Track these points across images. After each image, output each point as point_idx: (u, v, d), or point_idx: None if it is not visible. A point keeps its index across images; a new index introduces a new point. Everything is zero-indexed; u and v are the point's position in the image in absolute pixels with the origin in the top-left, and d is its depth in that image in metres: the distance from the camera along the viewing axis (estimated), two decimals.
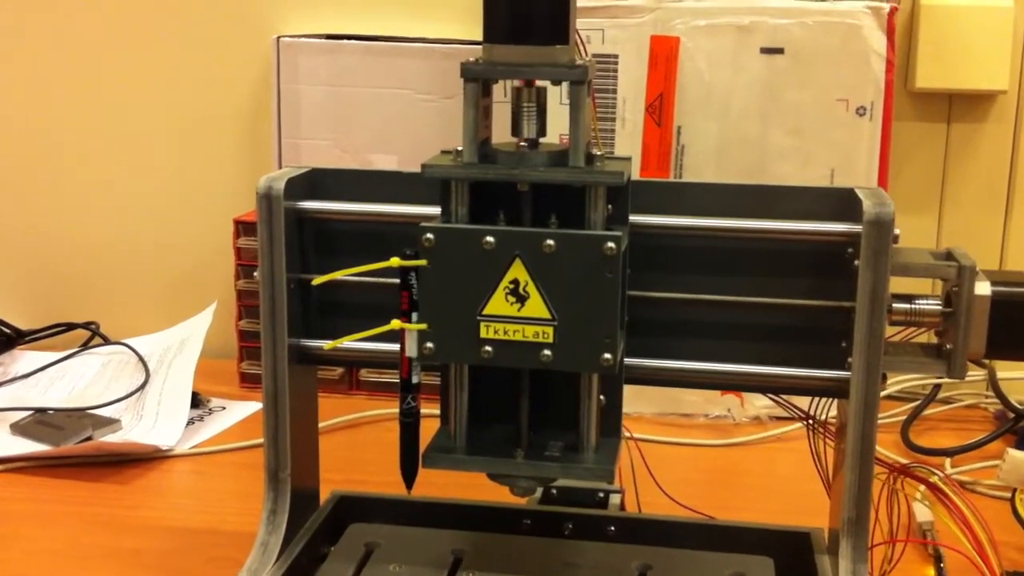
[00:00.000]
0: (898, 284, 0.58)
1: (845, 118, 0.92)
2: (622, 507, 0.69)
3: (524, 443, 0.58)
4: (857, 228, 0.57)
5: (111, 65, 1.13)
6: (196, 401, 0.96)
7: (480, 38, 0.56)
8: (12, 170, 1.17)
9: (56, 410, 0.94)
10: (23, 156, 1.16)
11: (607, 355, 0.55)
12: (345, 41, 1.05)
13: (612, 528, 0.65)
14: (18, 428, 0.91)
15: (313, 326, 0.65)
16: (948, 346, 0.58)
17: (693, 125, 0.94)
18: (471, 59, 0.56)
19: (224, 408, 0.98)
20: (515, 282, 0.56)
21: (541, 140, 0.58)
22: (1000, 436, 0.89)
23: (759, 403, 0.95)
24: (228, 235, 1.02)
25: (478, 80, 0.56)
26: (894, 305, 0.58)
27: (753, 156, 0.94)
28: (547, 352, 0.55)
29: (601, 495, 0.69)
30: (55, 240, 1.17)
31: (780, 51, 0.92)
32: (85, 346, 1.09)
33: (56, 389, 1.01)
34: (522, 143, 0.58)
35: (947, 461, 0.86)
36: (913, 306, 0.59)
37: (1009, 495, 0.74)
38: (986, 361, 0.83)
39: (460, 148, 0.57)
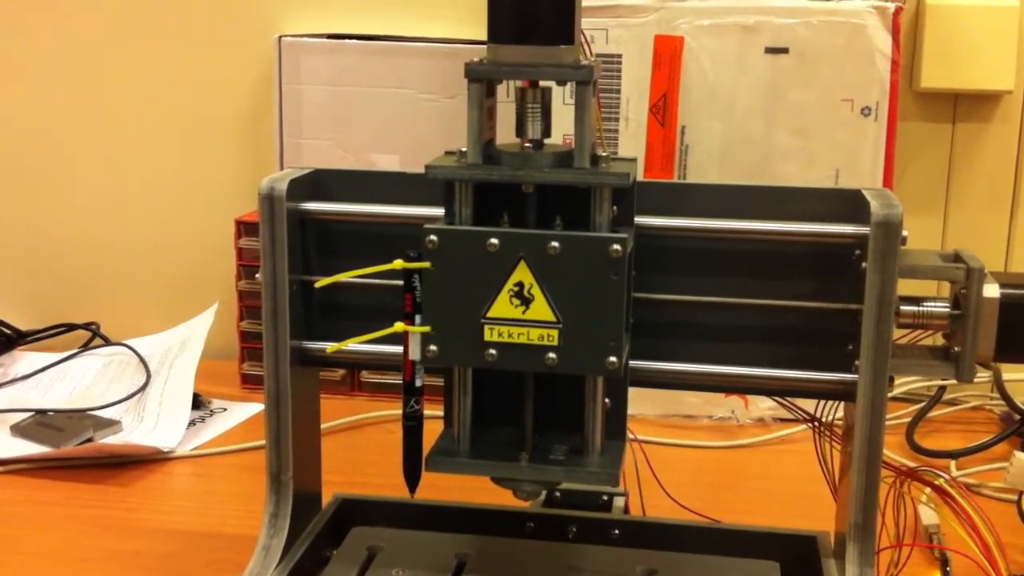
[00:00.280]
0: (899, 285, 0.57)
1: (850, 118, 0.92)
2: (626, 510, 0.69)
3: (528, 446, 0.58)
4: (865, 230, 0.56)
5: (112, 64, 1.13)
6: (197, 402, 0.96)
7: (483, 38, 0.56)
8: (12, 170, 1.16)
9: (56, 411, 0.93)
10: (23, 156, 1.16)
11: (613, 358, 0.54)
12: (347, 41, 1.04)
13: (616, 531, 0.64)
14: (18, 429, 0.90)
15: (315, 328, 0.64)
16: (956, 349, 0.58)
17: (697, 125, 0.94)
18: (475, 59, 0.56)
19: (225, 409, 0.97)
20: (520, 284, 0.55)
21: (546, 141, 0.58)
22: (1006, 438, 0.89)
23: (763, 405, 0.94)
24: (229, 235, 1.02)
25: (482, 80, 0.56)
26: (902, 307, 0.58)
27: (757, 156, 0.93)
28: (552, 355, 0.55)
29: (605, 498, 0.68)
30: (55, 240, 1.17)
31: (785, 51, 0.92)
32: (86, 347, 1.09)
33: (56, 390, 1.01)
34: (527, 144, 0.57)
35: (952, 463, 0.86)
36: (921, 308, 0.58)
37: (1016, 497, 0.73)
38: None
39: (464, 149, 0.57)
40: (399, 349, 0.58)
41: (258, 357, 1.02)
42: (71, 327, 1.11)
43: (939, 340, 0.60)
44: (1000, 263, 1.04)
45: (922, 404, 0.94)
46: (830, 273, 0.60)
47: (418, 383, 0.58)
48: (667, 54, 0.93)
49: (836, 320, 0.60)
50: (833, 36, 0.91)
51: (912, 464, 0.79)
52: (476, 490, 0.63)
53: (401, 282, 0.57)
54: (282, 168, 1.01)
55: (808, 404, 0.64)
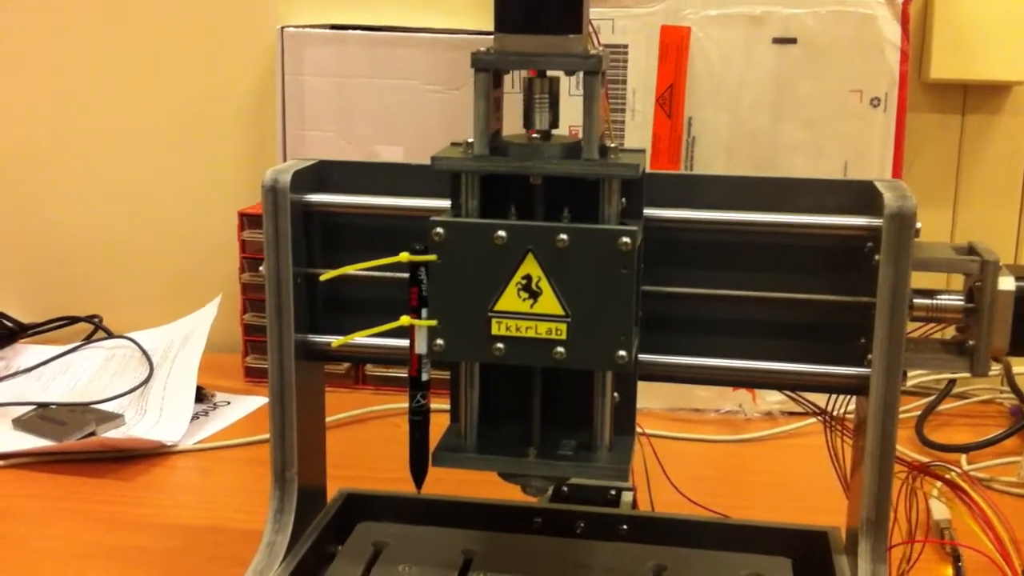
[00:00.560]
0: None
1: (859, 110, 0.91)
2: (634, 505, 0.68)
3: (536, 441, 0.57)
4: (878, 222, 0.56)
5: (114, 56, 1.12)
6: (201, 396, 0.95)
7: (487, 28, 0.55)
8: (14, 163, 1.16)
9: (59, 405, 0.93)
10: (25, 149, 1.15)
11: (622, 352, 0.54)
12: (350, 31, 1.04)
13: (625, 527, 0.63)
14: (20, 423, 0.90)
15: (320, 322, 0.64)
16: (970, 342, 0.57)
17: (704, 117, 0.93)
18: (482, 49, 0.55)
19: (229, 403, 0.97)
20: (527, 277, 0.54)
21: (553, 132, 0.57)
22: (1017, 432, 0.88)
23: (771, 399, 0.94)
24: (232, 228, 1.01)
25: (489, 70, 0.55)
26: (915, 300, 0.57)
27: (765, 148, 0.93)
28: (560, 349, 0.54)
29: (613, 493, 0.68)
30: (58, 233, 1.16)
31: (793, 41, 0.91)
32: (88, 340, 1.08)
33: (59, 383, 1.00)
34: (534, 135, 0.57)
35: (963, 458, 0.85)
36: (935, 301, 0.57)
37: None
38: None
39: (471, 140, 0.56)
40: (405, 343, 0.57)
41: (262, 350, 1.01)
42: (74, 320, 1.11)
43: (948, 333, 0.59)
44: (1010, 255, 1.03)
45: (931, 398, 0.93)
46: (842, 266, 0.59)
47: (424, 377, 0.57)
48: (674, 45, 0.92)
49: (848, 313, 0.59)
50: (842, 26, 0.90)
51: (922, 458, 0.78)
52: (482, 485, 0.62)
53: (407, 275, 0.56)
54: (285, 160, 1.00)
55: (818, 398, 0.63)
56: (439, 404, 0.59)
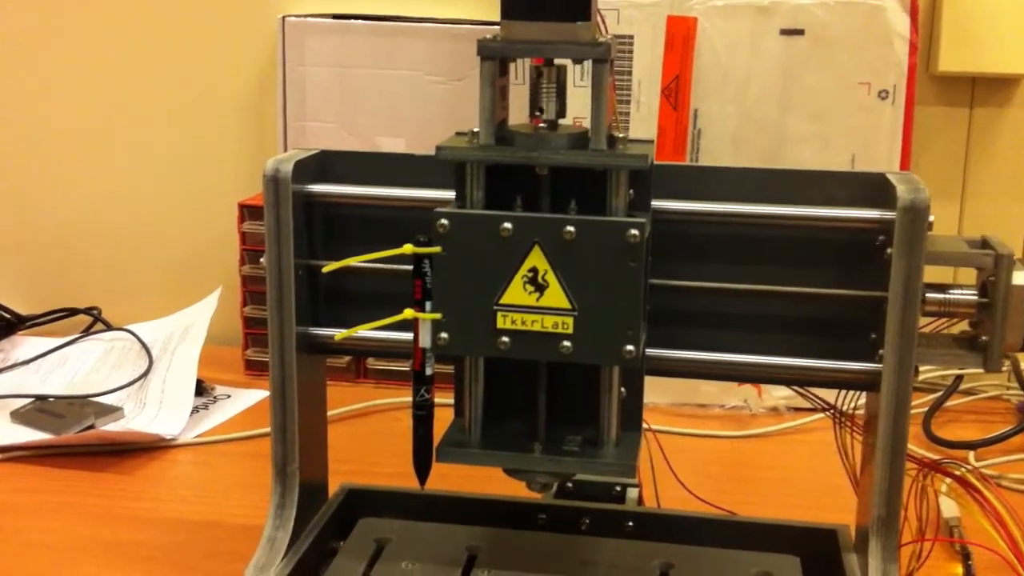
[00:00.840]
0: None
1: (866, 102, 0.90)
2: (640, 502, 0.67)
3: (541, 437, 0.56)
4: (890, 215, 0.55)
5: (114, 47, 1.11)
6: (200, 389, 0.94)
7: (491, 18, 0.54)
8: (13, 154, 1.15)
9: (57, 398, 0.92)
10: (25, 140, 1.14)
11: (629, 347, 0.53)
12: (353, 21, 1.02)
13: (631, 524, 0.62)
14: (18, 416, 0.89)
15: (321, 314, 0.63)
16: (983, 338, 0.56)
17: (710, 109, 0.92)
18: (488, 36, 0.54)
19: (229, 396, 0.96)
20: (534, 270, 0.53)
21: (560, 122, 0.56)
22: None
23: (777, 394, 0.93)
24: (232, 219, 1.00)
25: (495, 58, 0.54)
26: (927, 295, 0.56)
27: (771, 141, 0.92)
28: (567, 343, 0.53)
29: (618, 489, 0.67)
30: (57, 224, 1.15)
31: (800, 32, 0.90)
32: (87, 332, 1.07)
33: (57, 376, 0.99)
34: (540, 125, 0.56)
35: (971, 454, 0.84)
36: (947, 296, 0.56)
37: None
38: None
39: (476, 130, 0.55)
40: (409, 336, 0.56)
41: (262, 343, 1.00)
42: (72, 312, 1.10)
43: (956, 328, 0.58)
44: (1018, 250, 1.01)
45: (938, 394, 0.92)
46: (853, 260, 0.58)
47: (428, 372, 0.56)
48: (680, 36, 0.91)
49: (858, 308, 0.58)
50: (850, 18, 0.89)
51: (930, 455, 0.77)
52: (485, 480, 0.61)
53: (410, 267, 0.55)
54: (286, 151, 0.99)
55: (826, 393, 0.62)
56: (442, 399, 0.58)
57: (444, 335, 0.54)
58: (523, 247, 0.53)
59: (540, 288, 0.53)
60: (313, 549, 0.60)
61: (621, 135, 0.55)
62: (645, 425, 0.60)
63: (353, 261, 0.57)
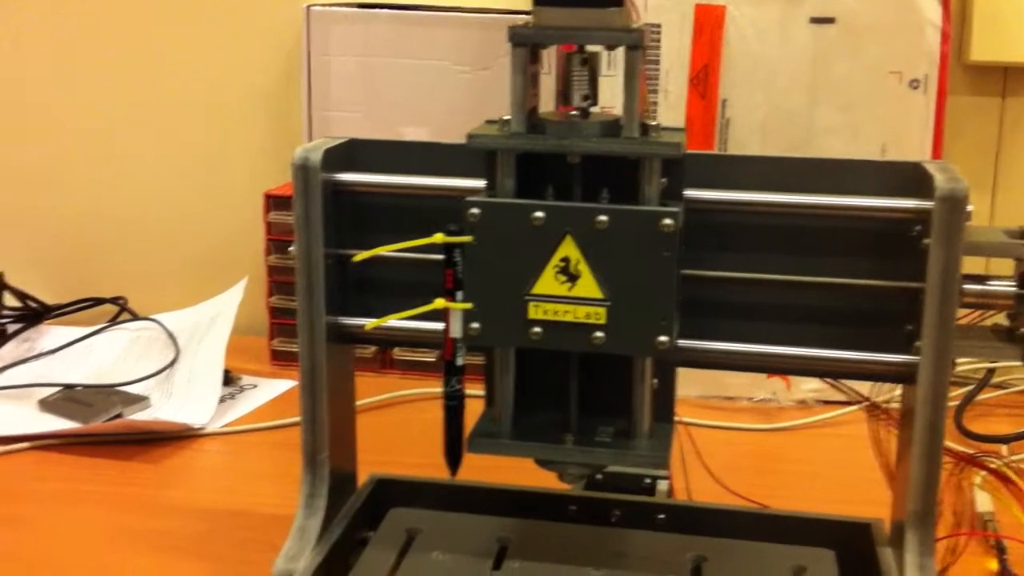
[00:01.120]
0: None
1: (898, 91, 0.89)
2: (670, 494, 0.66)
3: (574, 428, 0.56)
4: (928, 204, 0.54)
5: (138, 36, 1.11)
6: (227, 378, 0.94)
7: (517, 7, 0.53)
8: (39, 144, 1.15)
9: (85, 387, 0.92)
10: (51, 130, 1.14)
11: (663, 337, 0.52)
12: (377, 10, 1.02)
13: (662, 516, 0.62)
14: (46, 405, 0.89)
15: (350, 303, 0.62)
16: (1021, 330, 0.55)
17: (738, 98, 0.91)
18: (520, 23, 0.53)
19: (255, 386, 0.96)
20: (565, 260, 0.53)
21: (591, 110, 0.55)
22: None
23: (805, 387, 0.92)
24: (257, 209, 1.00)
25: (527, 45, 0.53)
26: (965, 286, 0.55)
27: (800, 130, 0.91)
28: (599, 334, 0.53)
29: (648, 481, 0.66)
30: (82, 214, 1.15)
31: (831, 21, 0.89)
32: (113, 321, 1.07)
33: (83, 365, 0.99)
34: (572, 112, 0.55)
35: (1004, 448, 0.83)
36: (986, 287, 0.55)
37: None
38: None
39: (507, 117, 0.55)
40: (438, 326, 0.56)
41: (288, 333, 1.00)
42: (98, 301, 1.10)
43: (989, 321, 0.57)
44: None
45: (970, 387, 0.91)
46: (888, 250, 0.57)
47: (459, 362, 0.56)
48: (708, 24, 0.90)
49: (894, 299, 0.57)
50: (881, 6, 0.88)
51: (963, 449, 0.76)
52: (511, 471, 0.61)
53: (439, 257, 0.55)
54: (310, 141, 0.99)
55: (858, 386, 0.61)
56: (470, 389, 0.57)
57: (475, 325, 0.54)
58: (555, 236, 0.53)
59: (572, 278, 0.53)
60: (343, 539, 0.59)
61: (653, 123, 0.55)
62: (676, 417, 0.59)
63: (384, 250, 0.57)
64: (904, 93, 0.89)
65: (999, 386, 0.95)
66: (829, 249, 0.58)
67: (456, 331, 0.54)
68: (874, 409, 0.60)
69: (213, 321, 0.99)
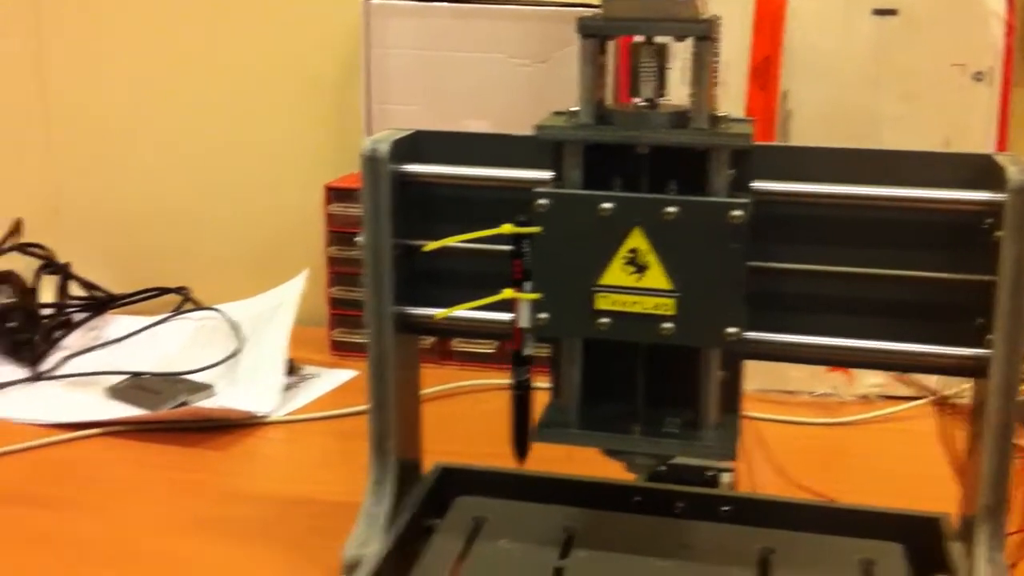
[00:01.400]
0: None
1: (961, 84, 0.88)
2: (734, 486, 0.66)
3: (641, 418, 0.56)
4: (1000, 197, 0.53)
5: (200, 29, 1.13)
6: (289, 368, 0.95)
7: (575, 0, 0.54)
8: (104, 136, 1.17)
9: (152, 375, 0.94)
10: (115, 124, 1.17)
11: (731, 329, 0.52)
12: (436, 3, 1.02)
13: (726, 508, 0.62)
14: (115, 392, 0.91)
15: (416, 294, 0.63)
16: None
17: (800, 90, 0.90)
18: (587, 15, 0.54)
19: (317, 376, 0.97)
20: (634, 251, 0.53)
21: (659, 101, 0.56)
22: None
23: (867, 381, 0.91)
24: (316, 201, 1.01)
25: (597, 36, 0.54)
26: None
27: (863, 123, 0.90)
28: (668, 325, 0.53)
29: (711, 473, 0.66)
30: (147, 205, 1.18)
31: (893, 12, 0.88)
32: (177, 311, 1.09)
33: (148, 353, 1.01)
34: (640, 103, 0.55)
35: None
36: None
37: None
38: None
39: (574, 109, 0.55)
40: (504, 317, 0.56)
41: (349, 324, 1.01)
42: (162, 291, 1.12)
43: None
44: None
45: None
46: (958, 242, 0.57)
47: (527, 352, 0.56)
48: (769, 16, 0.89)
49: (963, 292, 0.57)
50: None
51: None
52: (573, 462, 0.61)
53: (504, 248, 0.55)
54: (369, 134, 1.00)
55: (925, 381, 0.61)
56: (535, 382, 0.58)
57: (543, 315, 0.54)
58: (623, 228, 0.53)
59: (640, 269, 0.53)
60: (411, 526, 0.60)
61: (722, 114, 0.55)
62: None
63: (453, 241, 0.57)
64: (967, 85, 0.88)
65: None
66: (899, 241, 0.57)
67: (524, 321, 0.55)
68: (942, 403, 0.60)
69: (275, 311, 1.00)
